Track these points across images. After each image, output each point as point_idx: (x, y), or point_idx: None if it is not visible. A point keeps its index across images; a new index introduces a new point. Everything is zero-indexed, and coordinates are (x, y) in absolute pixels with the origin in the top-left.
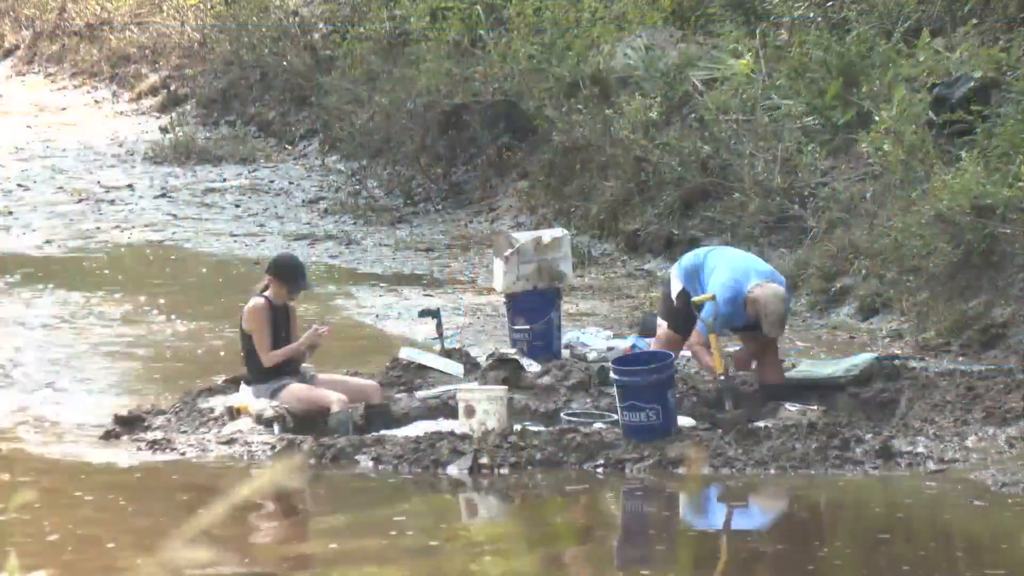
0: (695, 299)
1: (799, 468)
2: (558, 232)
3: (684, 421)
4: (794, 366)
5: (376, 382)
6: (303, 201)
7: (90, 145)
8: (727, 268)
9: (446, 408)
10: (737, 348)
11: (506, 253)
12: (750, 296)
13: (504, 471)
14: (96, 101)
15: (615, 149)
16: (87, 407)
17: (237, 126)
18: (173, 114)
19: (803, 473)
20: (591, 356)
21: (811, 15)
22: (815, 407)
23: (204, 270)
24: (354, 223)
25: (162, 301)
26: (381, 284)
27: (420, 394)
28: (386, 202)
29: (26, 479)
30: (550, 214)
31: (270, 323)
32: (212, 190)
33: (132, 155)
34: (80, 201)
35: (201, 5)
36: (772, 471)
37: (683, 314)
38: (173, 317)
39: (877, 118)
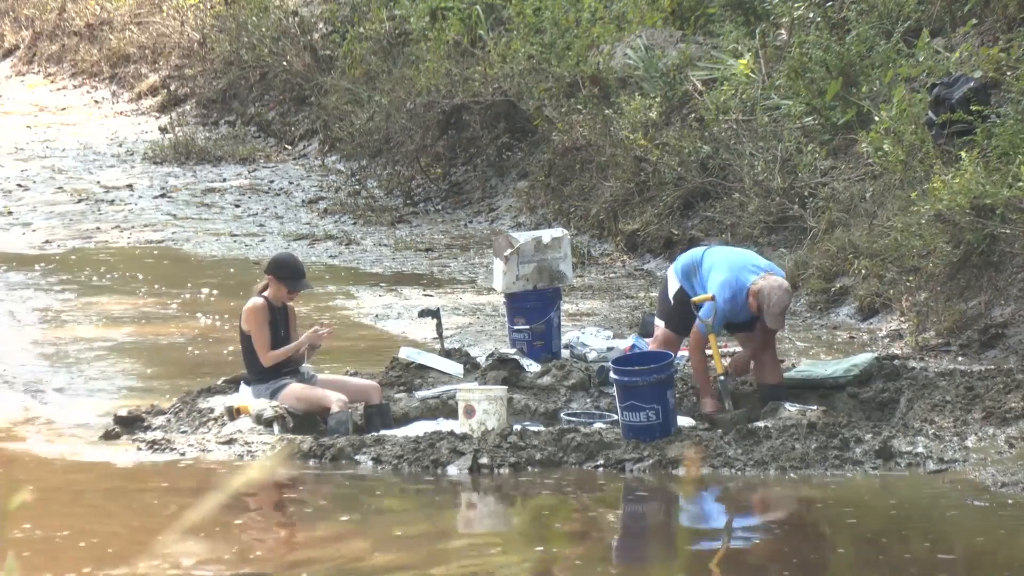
0: (695, 299)
1: (799, 468)
2: (558, 232)
3: (684, 421)
4: (794, 366)
5: (376, 382)
6: (303, 201)
7: (90, 145)
8: (726, 265)
9: (446, 408)
10: (738, 350)
11: (506, 253)
12: (753, 288)
13: (504, 471)
14: (96, 101)
15: (615, 149)
16: (87, 407)
17: (237, 126)
18: (173, 114)
19: (803, 473)
20: (591, 356)
21: (811, 15)
22: (815, 407)
23: (203, 270)
24: (354, 223)
25: (162, 301)
26: (381, 284)
27: (420, 394)
28: (386, 202)
29: (26, 479)
30: (550, 214)
31: (269, 323)
32: (212, 190)
33: (132, 155)
34: (80, 201)
35: (201, 5)
36: (772, 471)
37: (681, 314)
38: (173, 317)
39: (877, 118)
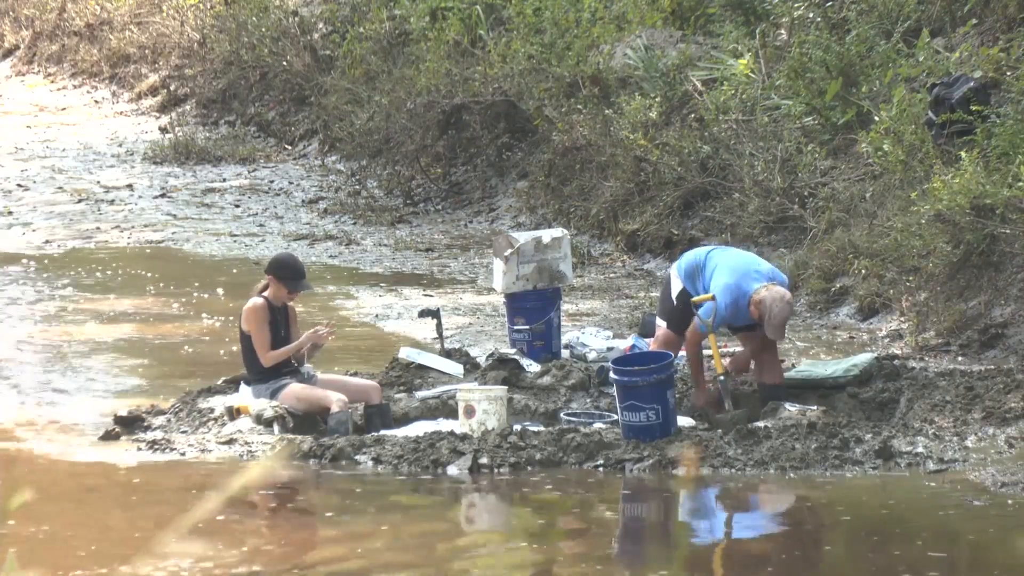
0: (695, 299)
1: (799, 468)
2: (558, 232)
3: (684, 421)
4: (794, 366)
5: (376, 382)
6: (303, 201)
7: (90, 145)
8: (728, 269)
9: (446, 408)
10: (738, 350)
11: (506, 253)
12: (756, 297)
13: (504, 471)
14: (96, 101)
15: (615, 149)
16: (87, 407)
17: (237, 126)
18: (173, 114)
19: (803, 473)
20: (591, 356)
21: (811, 15)
22: (815, 407)
23: (203, 270)
24: (354, 223)
25: (161, 301)
26: (381, 284)
27: (420, 394)
28: (386, 202)
29: (26, 479)
30: (550, 214)
31: (269, 323)
32: (212, 190)
33: (132, 155)
34: (80, 201)
35: (201, 5)
36: (772, 471)
37: (682, 314)
38: (174, 317)
39: (877, 118)
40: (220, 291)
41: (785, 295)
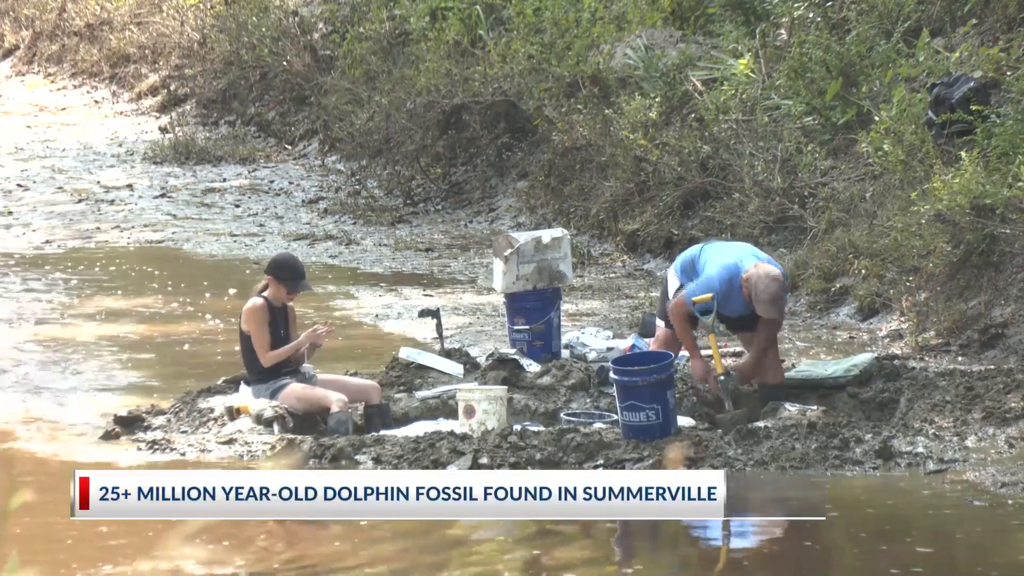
0: (695, 299)
1: (799, 468)
2: (558, 232)
3: (684, 421)
4: (794, 366)
5: (376, 382)
6: (303, 201)
7: (90, 145)
8: (725, 252)
9: (446, 408)
10: (738, 350)
11: (506, 253)
12: (745, 276)
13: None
14: (96, 101)
15: (615, 149)
16: (87, 407)
17: (237, 126)
18: (173, 114)
19: (803, 473)
20: (591, 356)
21: (811, 15)
22: (815, 407)
23: (204, 270)
24: (354, 223)
25: (161, 301)
26: (381, 284)
27: (420, 394)
28: (386, 202)
29: (26, 479)
30: (550, 214)
31: (269, 323)
32: (212, 190)
33: (132, 155)
34: (80, 201)
35: (201, 5)
36: (772, 471)
37: None
38: (173, 317)
39: (877, 118)
40: (217, 292)
41: (772, 271)
